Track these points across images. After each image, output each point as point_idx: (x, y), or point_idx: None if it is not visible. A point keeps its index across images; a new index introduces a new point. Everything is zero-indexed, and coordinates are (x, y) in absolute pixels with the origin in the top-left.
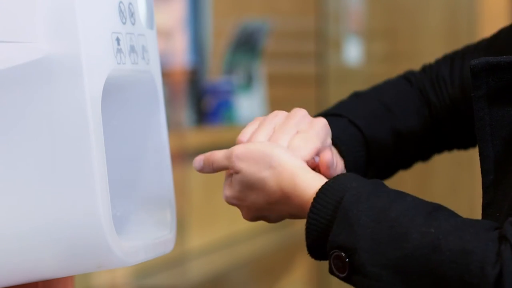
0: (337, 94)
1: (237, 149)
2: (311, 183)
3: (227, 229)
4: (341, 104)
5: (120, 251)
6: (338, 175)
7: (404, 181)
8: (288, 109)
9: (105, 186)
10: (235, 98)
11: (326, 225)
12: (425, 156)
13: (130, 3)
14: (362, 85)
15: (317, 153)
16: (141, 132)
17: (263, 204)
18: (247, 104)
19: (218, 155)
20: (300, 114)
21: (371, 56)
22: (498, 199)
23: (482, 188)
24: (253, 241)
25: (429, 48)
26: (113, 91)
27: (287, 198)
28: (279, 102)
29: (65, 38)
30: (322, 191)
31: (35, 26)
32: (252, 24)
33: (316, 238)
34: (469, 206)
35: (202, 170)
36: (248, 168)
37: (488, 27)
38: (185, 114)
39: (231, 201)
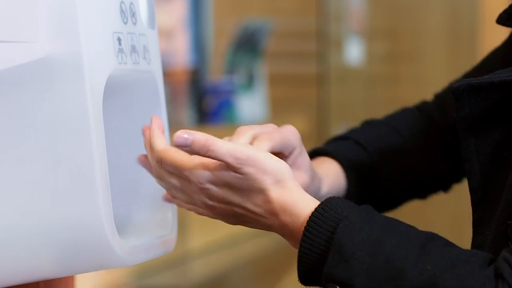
0: (338, 94)
1: (248, 152)
2: (305, 206)
3: (228, 229)
4: (350, 130)
5: (121, 251)
6: (328, 200)
7: None
8: (289, 108)
9: (107, 185)
10: (236, 98)
11: (320, 255)
12: (444, 185)
13: (131, 3)
14: (363, 85)
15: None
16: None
17: (242, 210)
18: (248, 104)
19: (221, 147)
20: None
21: (372, 56)
22: (487, 217)
23: (472, 206)
24: (254, 241)
25: (430, 48)
26: (114, 91)
27: (276, 214)
28: (280, 102)
29: (67, 38)
30: (313, 220)
31: (37, 26)
32: (253, 24)
33: (310, 267)
34: (470, 207)
35: (185, 146)
36: (255, 174)
37: (489, 27)
38: (186, 114)
39: (212, 200)
